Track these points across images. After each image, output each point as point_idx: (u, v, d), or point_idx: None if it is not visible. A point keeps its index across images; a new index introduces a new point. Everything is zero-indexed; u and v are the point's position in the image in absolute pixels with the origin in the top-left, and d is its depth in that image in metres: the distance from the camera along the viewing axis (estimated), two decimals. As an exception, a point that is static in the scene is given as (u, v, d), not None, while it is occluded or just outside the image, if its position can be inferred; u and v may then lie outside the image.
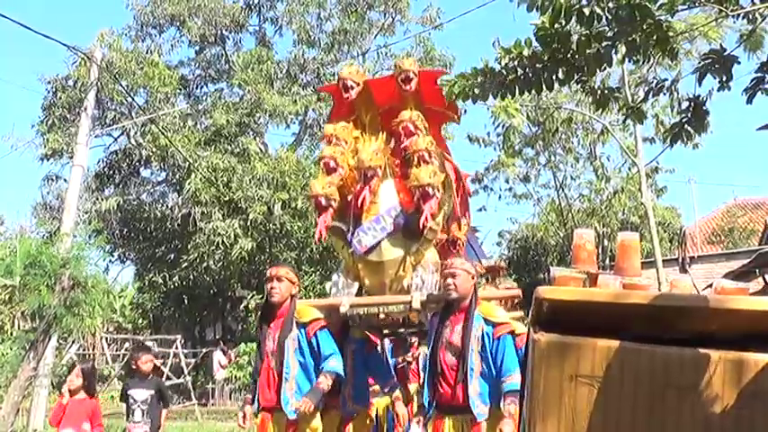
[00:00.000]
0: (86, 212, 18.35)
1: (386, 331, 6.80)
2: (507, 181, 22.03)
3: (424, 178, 5.43)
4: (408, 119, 5.76)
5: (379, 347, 6.66)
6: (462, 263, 5.02)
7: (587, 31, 5.13)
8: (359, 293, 5.79)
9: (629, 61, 5.47)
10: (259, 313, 5.56)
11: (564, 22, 5.07)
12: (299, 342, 5.13)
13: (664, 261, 15.59)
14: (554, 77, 5.21)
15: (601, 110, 6.48)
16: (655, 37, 5.16)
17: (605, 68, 5.63)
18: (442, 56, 19.28)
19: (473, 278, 4.98)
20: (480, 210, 22.06)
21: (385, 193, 5.83)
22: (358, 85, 6.05)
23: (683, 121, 5.49)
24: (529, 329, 2.44)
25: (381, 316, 5.80)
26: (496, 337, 4.75)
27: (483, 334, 4.79)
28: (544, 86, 5.23)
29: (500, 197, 22.62)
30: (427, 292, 5.44)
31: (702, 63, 5.17)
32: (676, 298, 2.47)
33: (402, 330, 6.93)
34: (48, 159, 18.35)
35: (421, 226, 5.48)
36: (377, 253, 5.66)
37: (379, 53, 21.02)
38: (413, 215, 5.60)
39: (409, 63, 6.07)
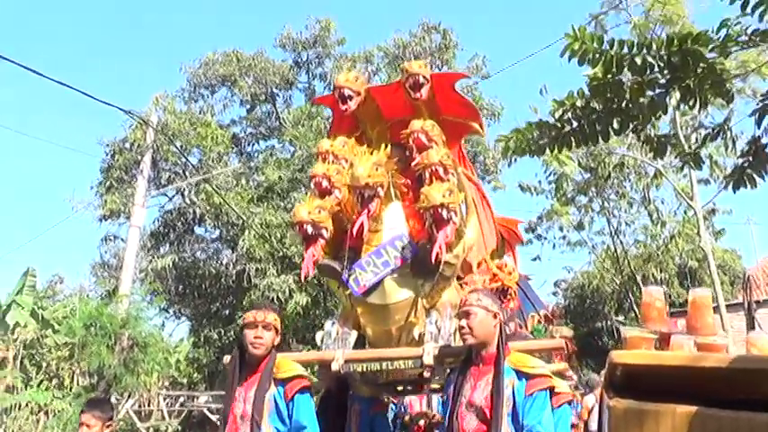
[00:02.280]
0: (143, 271, 18.66)
1: (399, 388, 5.69)
2: (561, 229, 21.80)
3: (435, 197, 4.30)
4: (420, 129, 4.68)
5: (390, 410, 5.82)
6: (479, 298, 3.81)
7: (640, 80, 5.13)
8: (358, 345, 4.79)
9: (685, 107, 5.41)
10: (235, 368, 4.09)
11: (616, 72, 5.07)
12: (276, 403, 3.94)
13: (726, 306, 15.17)
14: (609, 128, 5.19)
15: (659, 157, 6.42)
16: (709, 80, 5.13)
17: (660, 116, 5.60)
18: (490, 105, 19.25)
19: (496, 317, 3.76)
20: (534, 259, 21.80)
21: (389, 220, 4.77)
22: (358, 94, 5.06)
23: (744, 165, 5.39)
24: (602, 394, 2.36)
25: (386, 373, 4.78)
26: (529, 394, 3.60)
27: (513, 390, 3.62)
28: (600, 138, 5.20)
29: (554, 246, 22.37)
30: (444, 342, 4.36)
31: (761, 103, 5.09)
32: (756, 360, 2.37)
33: (416, 388, 5.74)
34: (106, 220, 18.73)
35: (433, 259, 4.36)
36: (379, 294, 4.58)
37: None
38: (424, 246, 4.52)
39: (419, 65, 4.99)
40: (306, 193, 20.07)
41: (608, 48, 4.91)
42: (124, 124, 17.93)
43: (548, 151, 5.37)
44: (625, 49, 4.93)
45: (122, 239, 18.62)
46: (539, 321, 7.28)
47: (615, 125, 5.13)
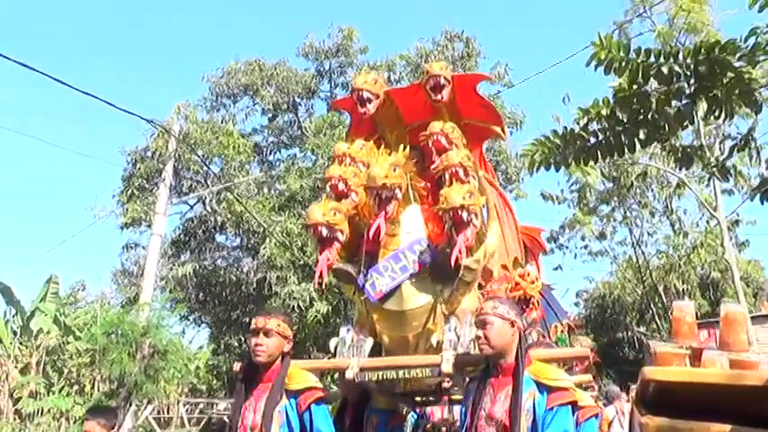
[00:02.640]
0: (163, 278, 18.75)
1: (418, 399, 5.50)
2: (583, 239, 21.65)
3: (455, 199, 4.13)
4: (439, 131, 4.51)
5: (410, 420, 5.60)
6: (495, 306, 3.60)
7: (666, 89, 5.07)
8: (374, 353, 4.57)
9: (711, 117, 5.33)
10: (240, 377, 4.07)
11: (642, 82, 5.01)
12: (287, 416, 3.79)
13: (751, 318, 14.99)
14: (635, 139, 5.13)
15: (685, 168, 6.34)
16: (736, 90, 5.05)
17: (687, 126, 5.52)
18: (512, 113, 19.17)
19: (514, 325, 3.55)
20: (556, 269, 21.64)
21: (408, 223, 4.63)
22: (377, 97, 4.87)
23: (772, 176, 5.31)
24: (632, 411, 2.30)
25: (403, 382, 4.56)
26: (550, 407, 3.41)
27: (534, 403, 3.44)
28: (626, 150, 5.13)
29: (576, 255, 22.21)
30: (464, 350, 4.18)
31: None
32: (795, 378, 2.30)
33: (435, 399, 5.53)
34: (127, 228, 18.84)
35: (452, 263, 4.17)
36: (396, 300, 4.40)
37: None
38: (443, 250, 4.31)
39: (439, 67, 4.81)
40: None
41: (634, 57, 4.86)
42: (146, 133, 18.05)
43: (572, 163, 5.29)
44: (651, 58, 4.87)
45: (143, 247, 18.73)
46: (562, 331, 7.21)
47: (641, 136, 5.06)
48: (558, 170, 5.55)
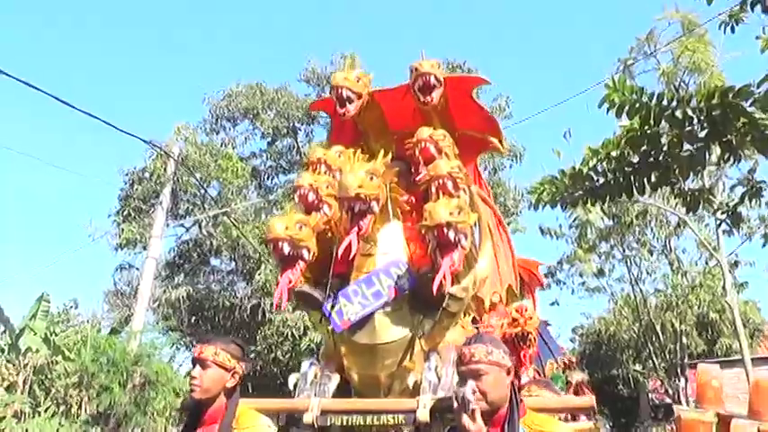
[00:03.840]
0: (156, 300, 18.55)
1: None
2: (581, 275, 21.52)
3: (441, 215, 3.52)
4: (428, 137, 4.00)
5: None
6: (489, 352, 2.78)
7: (678, 133, 4.98)
8: (341, 392, 3.93)
9: (725, 162, 5.24)
10: (185, 417, 3.33)
11: (653, 124, 4.93)
12: None
13: (751, 360, 14.94)
14: (646, 181, 5.03)
15: (692, 212, 6.25)
16: (750, 136, 4.97)
17: (699, 171, 5.44)
18: (512, 145, 19.13)
19: (510, 372, 2.83)
20: (552, 304, 21.53)
21: (385, 242, 3.99)
22: (359, 97, 4.35)
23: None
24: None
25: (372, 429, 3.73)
26: None
27: None
28: (636, 192, 5.04)
29: (573, 291, 22.07)
30: (445, 394, 3.46)
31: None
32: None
33: None
34: (122, 249, 18.68)
35: (435, 290, 3.55)
36: (367, 332, 3.79)
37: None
38: (425, 275, 3.73)
39: (430, 65, 4.27)
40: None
41: (647, 100, 4.78)
42: (145, 153, 17.96)
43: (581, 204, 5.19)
44: (664, 102, 4.80)
45: (137, 268, 18.57)
46: (557, 368, 7.07)
47: (653, 179, 4.97)
48: (564, 209, 5.46)
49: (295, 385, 3.93)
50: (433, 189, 3.76)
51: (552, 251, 24.39)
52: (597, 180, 5.08)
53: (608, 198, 5.03)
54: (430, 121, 4.31)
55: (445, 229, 3.53)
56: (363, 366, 3.88)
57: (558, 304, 21.87)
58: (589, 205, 13.60)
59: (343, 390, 3.96)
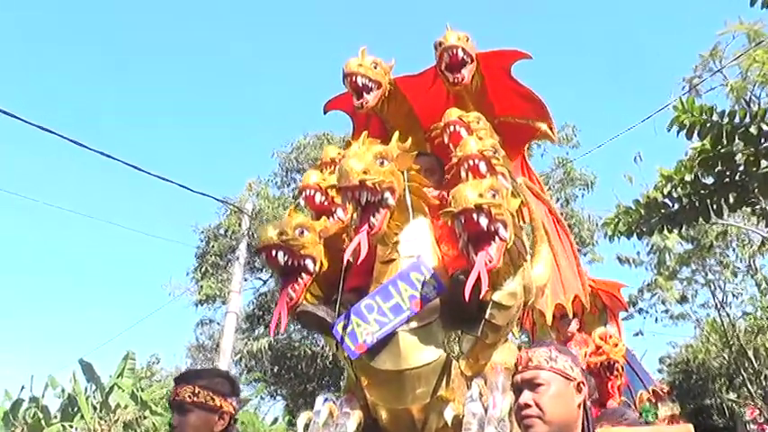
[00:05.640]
0: (238, 353, 18.84)
1: None
2: (663, 302, 20.87)
3: (467, 197, 2.80)
4: (457, 120, 3.35)
5: None
6: (552, 357, 2.20)
7: (754, 150, 4.86)
8: None
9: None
10: None
11: (726, 143, 4.82)
12: None
13: None
14: (723, 202, 4.91)
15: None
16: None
17: (780, 188, 5.27)
18: (582, 175, 18.83)
19: (581, 389, 2.20)
20: (636, 334, 20.85)
21: (410, 243, 3.18)
22: (378, 85, 3.69)
23: None
24: None
25: None
26: None
27: None
28: (713, 215, 4.91)
29: (656, 320, 21.39)
30: (494, 429, 2.80)
31: None
32: None
33: None
34: (201, 305, 19.09)
35: (467, 296, 2.78)
36: (391, 355, 3.00)
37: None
38: (457, 278, 2.94)
39: (456, 37, 3.59)
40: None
41: (717, 119, 4.69)
42: (219, 211, 18.41)
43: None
44: (736, 119, 4.70)
45: (218, 323, 18.94)
46: (648, 400, 6.75)
47: (730, 200, 4.85)
48: (640, 238, 5.35)
49: (306, 426, 3.16)
50: (463, 173, 3.11)
51: (632, 279, 23.78)
52: (672, 206, 4.98)
53: (685, 223, 4.91)
54: (465, 108, 3.62)
55: (475, 215, 2.81)
56: (389, 399, 3.11)
57: (642, 334, 21.12)
58: (666, 232, 13.32)
59: (371, 430, 3.24)
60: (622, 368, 5.51)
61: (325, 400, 3.23)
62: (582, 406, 2.16)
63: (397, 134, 3.26)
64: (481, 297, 2.91)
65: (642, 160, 11.23)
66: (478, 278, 2.77)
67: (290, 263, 3.09)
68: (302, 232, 3.12)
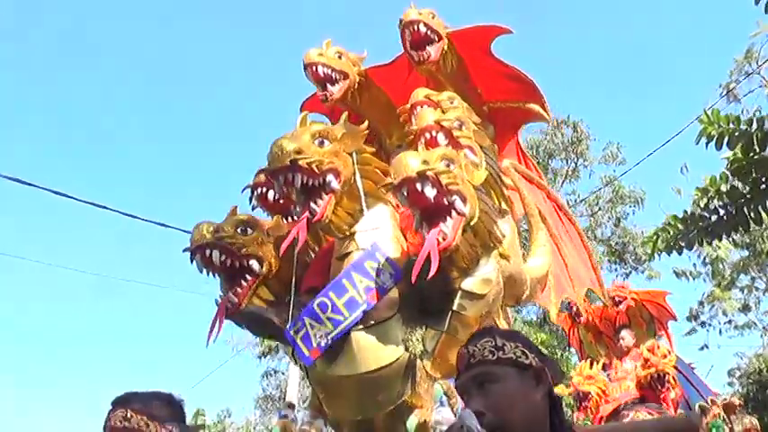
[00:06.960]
0: (305, 399, 19.02)
1: None
2: (725, 313, 20.34)
3: (411, 165, 2.46)
4: (424, 99, 2.97)
5: None
6: (498, 347, 1.66)
7: (787, 152, 4.85)
8: None
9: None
10: None
11: (758, 150, 4.82)
12: None
13: None
14: (761, 209, 4.89)
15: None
16: None
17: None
18: (631, 192, 18.54)
19: (541, 380, 1.68)
20: (702, 348, 20.30)
21: (368, 234, 2.80)
22: (345, 76, 3.37)
23: None
24: None
25: None
26: None
27: None
28: (752, 223, 4.89)
29: (720, 332, 20.82)
30: None
31: None
32: None
33: None
34: (265, 357, 19.29)
35: (414, 279, 2.48)
36: (346, 359, 2.63)
37: (568, 201, 20.58)
38: (411, 263, 2.58)
39: (417, 12, 3.29)
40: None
41: (745, 127, 4.71)
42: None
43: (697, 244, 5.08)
44: (765, 125, 4.71)
45: (283, 372, 19.12)
46: (718, 415, 6.46)
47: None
48: (680, 254, 5.34)
49: None
50: (420, 148, 2.75)
51: (691, 292, 23.22)
52: (710, 218, 4.99)
53: (724, 234, 4.92)
54: (441, 87, 3.32)
55: (419, 185, 2.44)
56: (348, 407, 2.75)
57: (707, 347, 20.59)
58: (716, 242, 13.10)
59: None
60: (675, 379, 5.42)
61: (281, 415, 3.08)
62: (547, 397, 1.69)
63: (345, 115, 2.98)
64: (446, 285, 2.59)
65: (689, 171, 11.11)
66: (428, 255, 2.43)
67: (228, 264, 2.78)
68: (245, 230, 2.84)
